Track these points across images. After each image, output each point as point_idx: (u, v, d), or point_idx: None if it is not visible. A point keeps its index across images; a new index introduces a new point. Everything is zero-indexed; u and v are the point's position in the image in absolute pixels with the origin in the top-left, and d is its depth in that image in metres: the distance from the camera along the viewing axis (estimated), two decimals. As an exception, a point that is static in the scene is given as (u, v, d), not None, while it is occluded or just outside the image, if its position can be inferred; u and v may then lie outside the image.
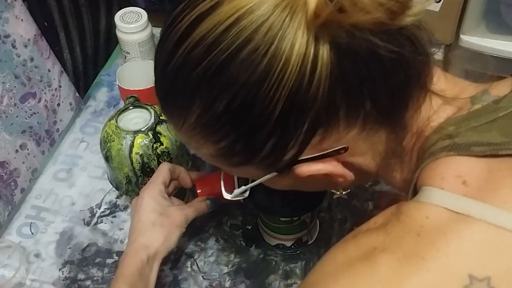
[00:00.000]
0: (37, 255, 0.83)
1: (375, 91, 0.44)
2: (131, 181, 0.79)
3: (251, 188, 0.61)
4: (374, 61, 0.43)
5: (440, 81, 0.50)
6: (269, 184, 0.54)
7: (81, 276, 0.80)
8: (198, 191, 0.73)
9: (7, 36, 0.80)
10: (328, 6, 0.39)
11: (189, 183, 0.75)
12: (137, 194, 0.76)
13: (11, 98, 0.83)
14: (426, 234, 0.40)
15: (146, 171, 0.77)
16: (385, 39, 0.42)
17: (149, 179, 0.74)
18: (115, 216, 0.87)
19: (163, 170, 0.73)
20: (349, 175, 0.50)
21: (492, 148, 0.43)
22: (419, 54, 0.45)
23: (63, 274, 0.80)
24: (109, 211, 0.87)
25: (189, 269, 0.80)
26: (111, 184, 0.84)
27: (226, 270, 0.79)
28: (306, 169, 0.48)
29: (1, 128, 0.82)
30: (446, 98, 0.49)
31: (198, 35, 0.43)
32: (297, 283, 0.78)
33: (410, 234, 0.41)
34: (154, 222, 0.68)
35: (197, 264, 0.80)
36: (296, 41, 0.41)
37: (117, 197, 0.89)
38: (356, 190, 0.86)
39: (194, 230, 0.82)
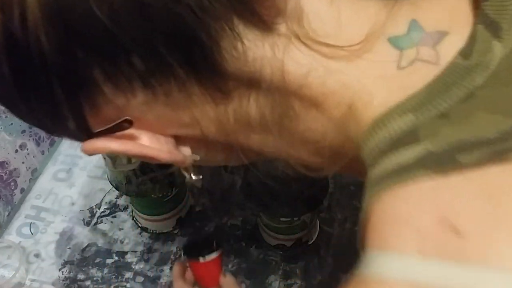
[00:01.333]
0: (37, 255, 0.83)
1: (140, 41, 0.31)
2: (131, 181, 0.79)
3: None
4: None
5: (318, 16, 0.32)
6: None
7: (81, 276, 0.80)
8: None
9: (6, 36, 0.80)
10: None
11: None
12: (137, 194, 0.76)
13: (11, 98, 0.83)
14: None
15: (146, 171, 0.77)
16: None
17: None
18: (115, 216, 0.87)
19: (177, 273, 0.70)
20: (166, 156, 0.36)
21: (492, 152, 0.26)
22: None
23: (63, 274, 0.80)
24: (109, 211, 0.87)
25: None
26: (111, 184, 0.84)
27: (226, 270, 0.79)
28: (92, 145, 0.36)
29: (1, 128, 0.82)
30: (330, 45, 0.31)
31: None
32: (297, 283, 0.77)
33: None
34: None
35: (197, 264, 0.80)
36: None
37: (117, 197, 0.89)
38: (357, 190, 0.86)
39: (194, 230, 0.82)
